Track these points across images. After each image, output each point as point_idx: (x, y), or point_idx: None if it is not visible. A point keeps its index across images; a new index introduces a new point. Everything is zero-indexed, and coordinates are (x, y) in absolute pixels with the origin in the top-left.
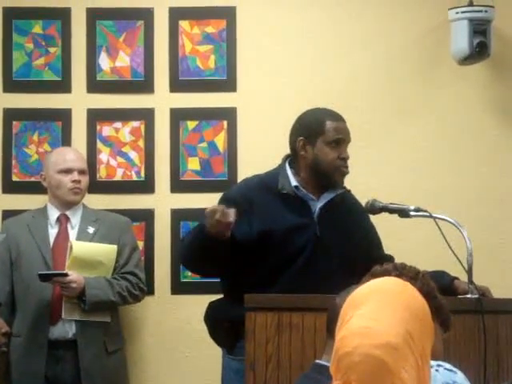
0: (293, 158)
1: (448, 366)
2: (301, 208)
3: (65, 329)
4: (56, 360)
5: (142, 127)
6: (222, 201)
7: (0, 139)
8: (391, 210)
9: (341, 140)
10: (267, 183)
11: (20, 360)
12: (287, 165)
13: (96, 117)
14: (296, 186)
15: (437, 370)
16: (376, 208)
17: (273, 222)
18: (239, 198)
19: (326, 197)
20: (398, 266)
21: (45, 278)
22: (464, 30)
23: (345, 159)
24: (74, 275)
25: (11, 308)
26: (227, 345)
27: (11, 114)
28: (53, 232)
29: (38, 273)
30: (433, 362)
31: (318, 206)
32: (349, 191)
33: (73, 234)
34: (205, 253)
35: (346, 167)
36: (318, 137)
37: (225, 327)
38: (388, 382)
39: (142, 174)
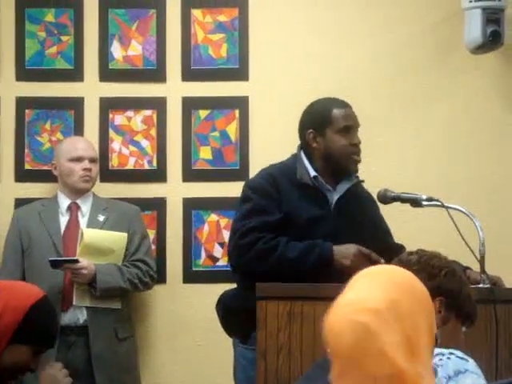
0: (308, 153)
1: (460, 353)
2: (318, 198)
3: (76, 315)
4: (67, 346)
5: (154, 116)
6: (252, 192)
7: (13, 128)
8: (403, 200)
9: (349, 127)
10: (286, 173)
11: None
12: (303, 154)
13: (108, 105)
14: (315, 176)
15: (449, 358)
16: (388, 197)
17: (294, 211)
18: (269, 187)
19: (342, 187)
20: (423, 259)
21: (56, 264)
22: (477, 19)
23: (356, 145)
24: (85, 262)
25: None
26: (241, 334)
27: (24, 103)
28: (64, 220)
29: (48, 259)
30: (445, 350)
31: (334, 196)
32: (362, 181)
33: (83, 222)
34: (304, 272)
35: (358, 153)
36: (326, 127)
37: (240, 316)
38: (372, 344)
39: (154, 163)
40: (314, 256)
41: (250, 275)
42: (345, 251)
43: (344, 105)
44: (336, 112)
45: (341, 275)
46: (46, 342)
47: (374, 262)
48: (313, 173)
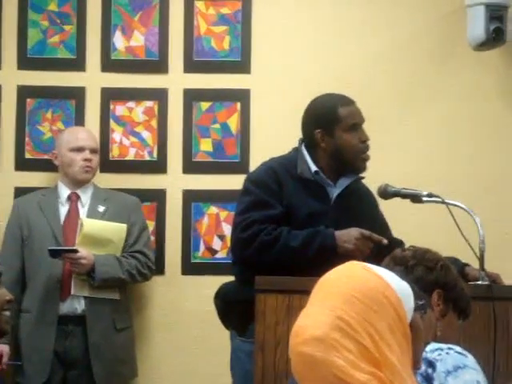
0: (310, 149)
1: (459, 349)
2: (319, 193)
3: (74, 305)
4: (65, 335)
5: (156, 107)
6: (253, 185)
7: (14, 116)
8: (404, 195)
9: (357, 124)
10: (287, 167)
11: (30, 335)
12: (304, 149)
13: (110, 96)
14: (316, 172)
15: (447, 353)
16: (388, 193)
17: (295, 206)
18: (270, 181)
19: (343, 183)
20: (418, 254)
21: (55, 253)
22: (480, 16)
23: (365, 141)
24: (84, 252)
25: (22, 284)
26: (239, 327)
27: (25, 91)
28: (63, 210)
29: (48, 248)
30: (443, 345)
31: (335, 192)
32: (362, 178)
33: (83, 212)
34: (307, 262)
35: (368, 151)
36: (334, 126)
37: (238, 309)
38: (325, 372)
39: (155, 154)
40: (317, 244)
41: (253, 267)
42: (347, 235)
43: (349, 102)
44: (342, 110)
45: (331, 268)
46: None
47: (376, 243)
48: (314, 168)
